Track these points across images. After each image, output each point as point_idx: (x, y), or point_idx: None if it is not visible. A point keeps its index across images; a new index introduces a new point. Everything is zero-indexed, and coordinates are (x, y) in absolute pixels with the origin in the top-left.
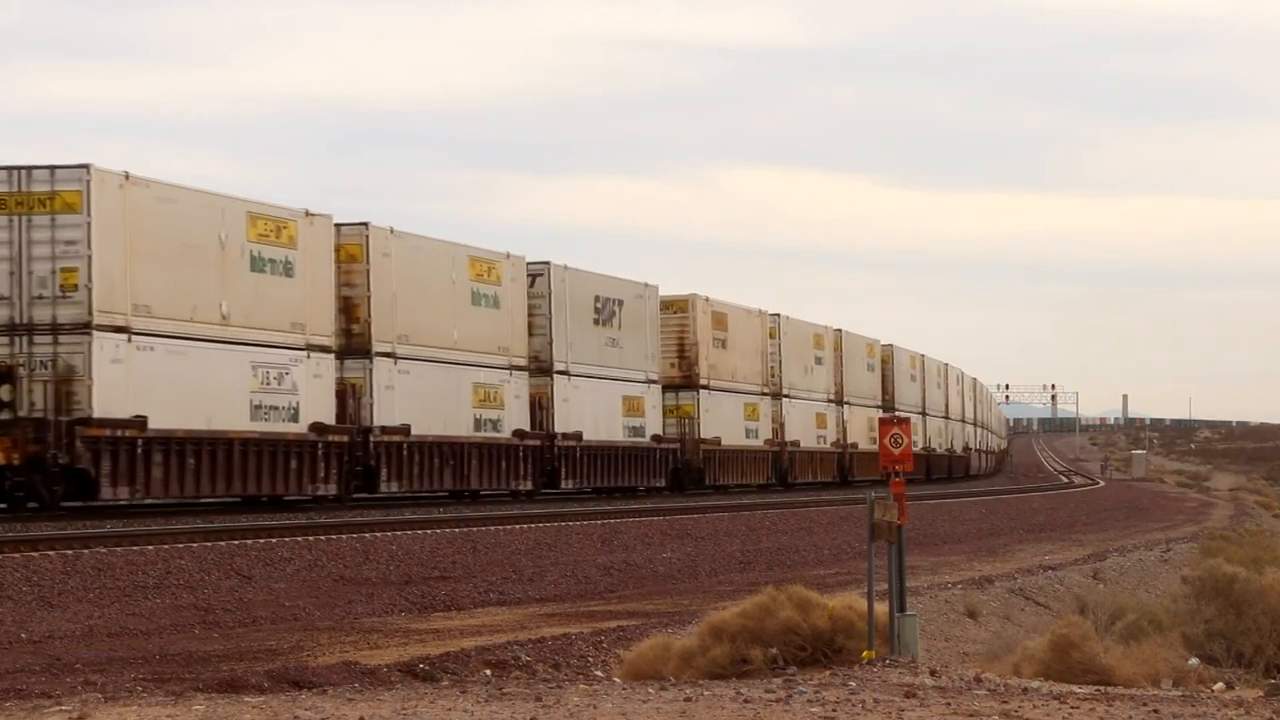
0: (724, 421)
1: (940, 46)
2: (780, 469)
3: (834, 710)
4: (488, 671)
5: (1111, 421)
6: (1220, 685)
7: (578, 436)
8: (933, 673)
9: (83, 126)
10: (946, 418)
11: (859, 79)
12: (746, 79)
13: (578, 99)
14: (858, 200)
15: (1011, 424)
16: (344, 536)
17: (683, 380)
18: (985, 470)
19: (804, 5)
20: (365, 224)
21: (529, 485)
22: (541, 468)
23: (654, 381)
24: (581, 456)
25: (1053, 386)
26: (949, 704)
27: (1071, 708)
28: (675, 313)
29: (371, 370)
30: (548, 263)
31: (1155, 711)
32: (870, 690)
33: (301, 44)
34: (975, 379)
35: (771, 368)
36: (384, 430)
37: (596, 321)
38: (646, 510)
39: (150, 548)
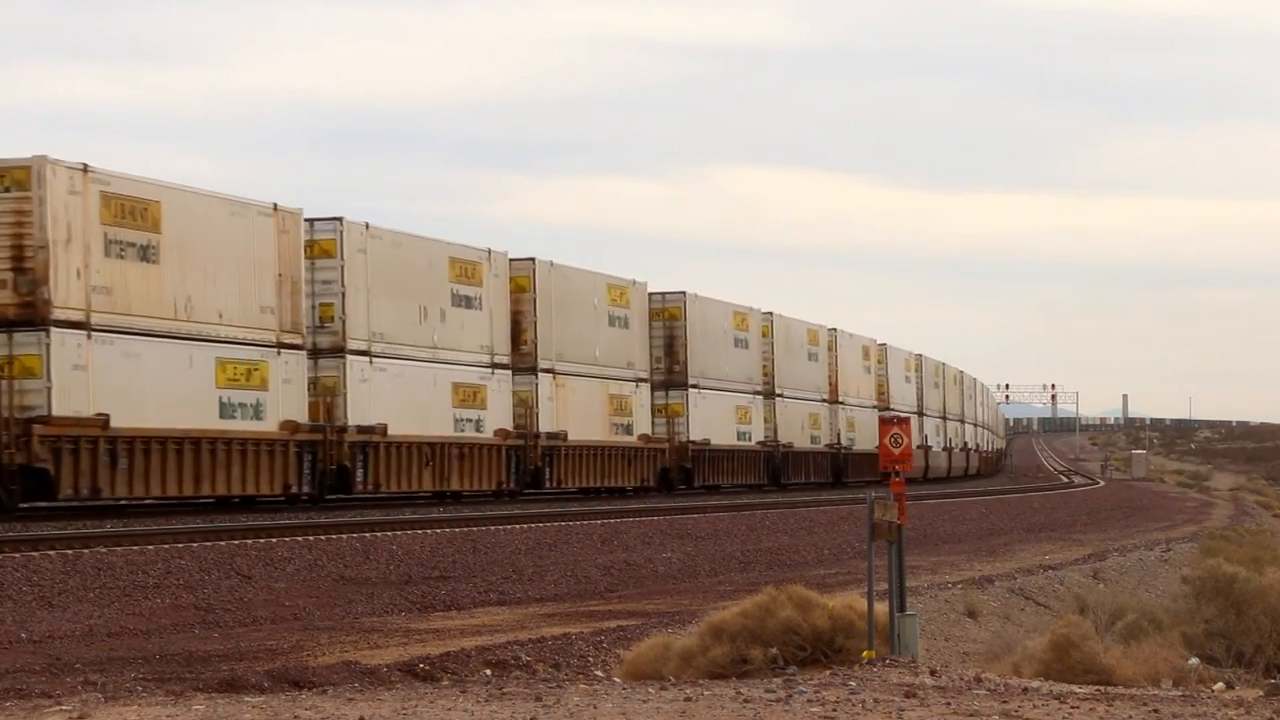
0: (148, 391)
1: (936, 46)
2: (319, 469)
3: (834, 710)
4: (488, 671)
5: (1111, 421)
6: (1220, 685)
7: None
8: (933, 672)
9: (79, 126)
10: (838, 403)
11: (857, 79)
12: (742, 79)
13: (574, 99)
14: (857, 200)
15: (1011, 424)
16: (344, 536)
17: (19, 312)
18: (960, 471)
19: (802, 4)
20: None
21: None
22: None
23: None
24: None
25: (1053, 386)
26: (949, 704)
27: (1071, 708)
28: None
29: None
30: None
31: (1155, 711)
32: (870, 690)
33: (298, 44)
34: (922, 356)
35: (322, 306)
36: None
37: None
38: (646, 510)
39: (150, 548)
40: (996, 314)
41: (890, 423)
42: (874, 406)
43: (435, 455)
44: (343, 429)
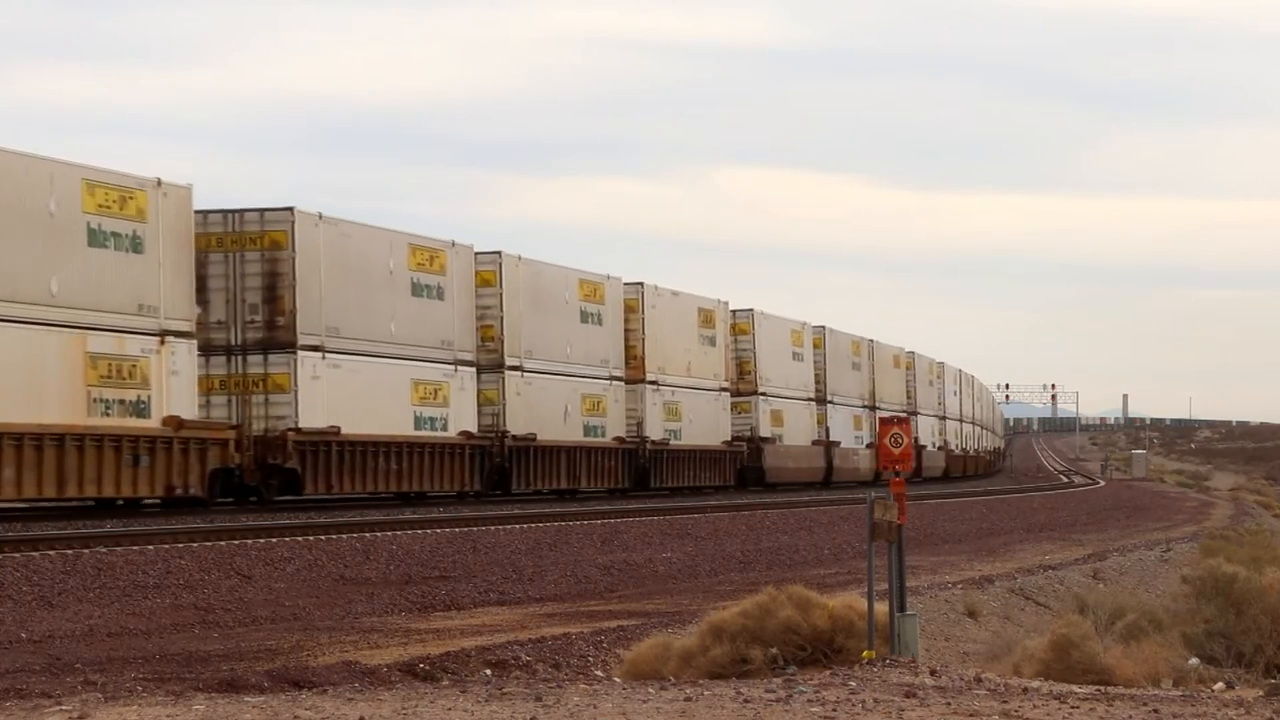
0: None
1: (936, 46)
2: None
3: (834, 710)
4: (488, 671)
5: (1111, 421)
6: (1220, 685)
7: None
8: (933, 672)
9: (79, 127)
10: (645, 384)
11: (856, 79)
12: (742, 79)
13: (574, 99)
14: (856, 200)
15: (1011, 423)
16: (344, 536)
17: None
18: (918, 472)
19: (802, 5)
20: None
21: None
22: None
23: None
24: None
25: (1053, 386)
26: (949, 704)
27: (1071, 708)
28: None
29: None
30: None
31: (1155, 711)
32: (870, 690)
33: (298, 44)
34: (826, 328)
35: None
36: None
37: None
38: (646, 510)
39: (150, 548)
40: (996, 314)
41: (890, 423)
42: (723, 390)
43: None
44: None
